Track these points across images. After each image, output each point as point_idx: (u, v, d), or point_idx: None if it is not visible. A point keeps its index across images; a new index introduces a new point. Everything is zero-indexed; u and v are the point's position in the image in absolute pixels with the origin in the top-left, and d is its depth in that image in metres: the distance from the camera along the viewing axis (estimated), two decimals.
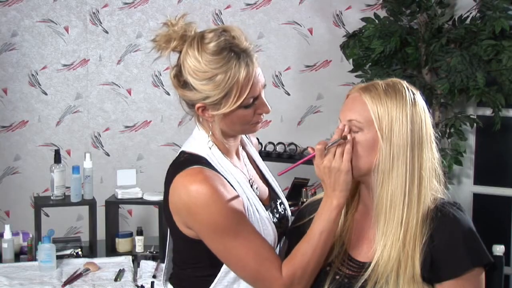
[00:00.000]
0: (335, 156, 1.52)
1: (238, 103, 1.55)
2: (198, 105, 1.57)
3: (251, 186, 1.68)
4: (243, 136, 1.79)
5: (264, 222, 1.63)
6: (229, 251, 1.54)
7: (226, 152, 1.66)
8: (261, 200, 1.68)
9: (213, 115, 1.58)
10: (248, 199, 1.62)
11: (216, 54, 1.53)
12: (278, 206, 1.76)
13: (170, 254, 1.77)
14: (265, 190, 1.75)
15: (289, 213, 1.80)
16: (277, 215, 1.73)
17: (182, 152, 1.64)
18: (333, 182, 1.53)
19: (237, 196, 1.58)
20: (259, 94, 1.61)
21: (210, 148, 1.62)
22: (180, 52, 1.58)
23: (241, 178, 1.64)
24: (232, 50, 1.54)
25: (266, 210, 1.67)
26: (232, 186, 1.59)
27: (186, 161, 1.59)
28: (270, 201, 1.74)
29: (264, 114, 1.65)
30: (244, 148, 1.79)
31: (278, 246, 1.73)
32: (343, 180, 1.52)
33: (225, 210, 1.52)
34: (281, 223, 1.73)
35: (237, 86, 1.54)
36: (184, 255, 1.67)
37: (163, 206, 1.64)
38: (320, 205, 1.57)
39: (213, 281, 1.61)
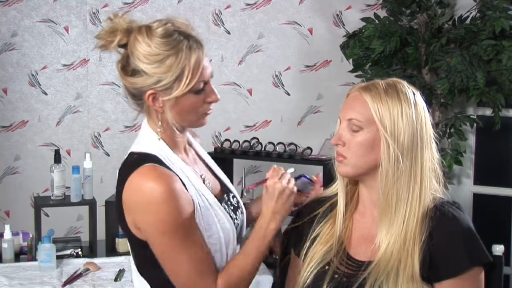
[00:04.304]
0: (289, 180, 1.66)
1: (190, 86, 1.55)
2: (148, 92, 1.55)
3: (203, 181, 1.67)
4: (188, 135, 1.76)
5: (219, 214, 1.63)
6: (170, 254, 1.52)
7: (175, 148, 1.63)
8: (213, 194, 1.67)
9: (163, 103, 1.56)
10: (200, 196, 1.60)
11: (166, 37, 1.53)
12: (231, 199, 1.76)
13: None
14: (216, 184, 1.75)
15: (242, 204, 1.80)
16: (232, 207, 1.73)
17: (131, 154, 1.61)
18: (279, 205, 1.64)
19: (189, 198, 1.56)
20: (208, 80, 1.61)
21: (159, 139, 1.59)
22: (124, 45, 1.57)
23: (192, 175, 1.62)
24: (180, 34, 1.55)
25: (220, 204, 1.67)
26: (184, 184, 1.57)
27: (137, 160, 1.55)
28: (222, 194, 1.74)
29: (212, 105, 1.65)
30: (190, 146, 1.78)
31: (239, 241, 1.73)
32: (289, 205, 1.66)
33: (176, 212, 1.50)
34: (236, 215, 1.73)
35: (189, 68, 1.54)
36: (140, 258, 1.64)
37: (117, 214, 1.60)
38: (257, 224, 1.66)
39: None
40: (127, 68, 1.57)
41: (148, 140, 1.61)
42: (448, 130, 3.58)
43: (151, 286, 1.63)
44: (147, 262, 1.60)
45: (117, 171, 1.62)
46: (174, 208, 1.50)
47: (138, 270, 1.65)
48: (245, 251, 1.65)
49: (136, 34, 1.55)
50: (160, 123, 1.60)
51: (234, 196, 1.78)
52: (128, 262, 2.85)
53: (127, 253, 3.00)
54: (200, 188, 1.62)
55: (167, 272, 1.56)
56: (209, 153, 3.64)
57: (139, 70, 1.55)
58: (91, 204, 3.10)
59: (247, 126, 4.05)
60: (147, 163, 1.53)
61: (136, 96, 1.59)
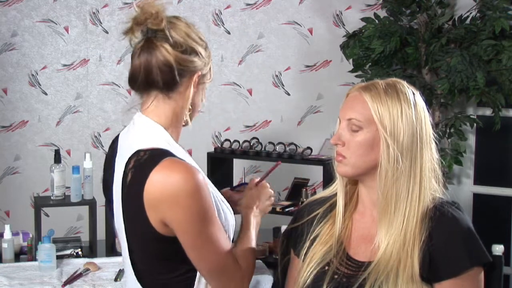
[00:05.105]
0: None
1: (212, 77, 1.69)
2: (199, 73, 1.62)
3: None
4: None
5: (228, 206, 1.67)
6: (208, 241, 1.55)
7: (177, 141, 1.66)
8: None
9: (198, 87, 1.64)
10: (211, 187, 1.63)
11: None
12: None
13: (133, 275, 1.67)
14: None
15: None
16: None
17: (140, 151, 1.57)
18: (265, 206, 1.79)
19: (209, 188, 1.58)
20: None
21: (166, 131, 1.61)
22: (156, 31, 1.58)
23: (196, 166, 1.63)
24: None
25: None
26: None
27: (152, 156, 1.54)
28: None
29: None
30: None
31: None
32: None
33: (206, 200, 1.53)
34: None
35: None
36: (158, 259, 1.62)
37: (133, 215, 1.57)
38: (249, 221, 1.73)
39: (195, 276, 1.60)
40: (178, 48, 1.59)
41: (154, 134, 1.60)
42: (448, 130, 3.58)
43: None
44: (164, 259, 1.60)
45: (124, 171, 1.57)
46: (204, 197, 1.52)
47: (141, 275, 1.63)
48: (251, 240, 1.70)
49: (182, 19, 1.63)
50: (185, 109, 1.63)
51: None
52: None
53: None
54: (207, 179, 1.63)
55: (199, 263, 1.56)
56: (209, 153, 3.66)
57: (194, 51, 1.60)
58: (91, 204, 3.10)
59: (247, 126, 4.05)
60: (166, 158, 1.52)
61: (182, 74, 1.60)
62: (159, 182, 1.50)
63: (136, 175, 1.54)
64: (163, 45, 1.56)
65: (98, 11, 3.85)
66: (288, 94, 4.06)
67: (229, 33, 3.98)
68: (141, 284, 1.62)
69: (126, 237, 1.62)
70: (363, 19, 3.66)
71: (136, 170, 1.54)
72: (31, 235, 3.01)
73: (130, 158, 1.56)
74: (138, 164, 1.55)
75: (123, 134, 1.69)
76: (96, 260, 2.82)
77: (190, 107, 1.64)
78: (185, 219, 1.51)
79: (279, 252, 1.77)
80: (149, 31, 1.57)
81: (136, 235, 1.60)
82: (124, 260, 1.68)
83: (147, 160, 1.53)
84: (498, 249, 1.85)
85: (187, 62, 1.59)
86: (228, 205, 1.68)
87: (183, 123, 1.66)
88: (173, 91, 1.60)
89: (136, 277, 1.63)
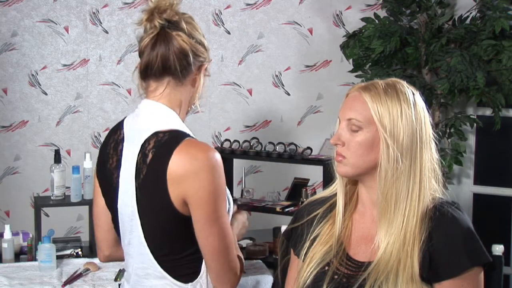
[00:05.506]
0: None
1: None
2: (205, 65, 1.72)
3: None
4: None
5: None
6: (219, 220, 1.62)
7: None
8: None
9: (202, 77, 1.74)
10: None
11: None
12: None
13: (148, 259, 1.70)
14: None
15: None
16: None
17: (159, 133, 1.63)
18: (238, 233, 1.88)
19: None
20: None
21: (178, 117, 1.69)
22: (170, 21, 1.69)
23: None
24: None
25: None
26: None
27: (173, 137, 1.62)
28: None
29: None
30: None
31: None
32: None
33: (224, 177, 1.63)
34: None
35: None
36: (171, 238, 1.66)
37: (155, 194, 1.61)
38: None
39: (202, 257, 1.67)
40: (191, 38, 1.69)
41: (169, 117, 1.67)
42: (448, 130, 3.58)
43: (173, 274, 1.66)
44: (177, 238, 1.64)
45: (142, 152, 1.62)
46: (221, 175, 1.62)
47: (163, 261, 1.66)
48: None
49: (186, 14, 1.74)
50: (192, 97, 1.74)
51: None
52: None
53: None
54: None
55: (207, 240, 1.61)
56: None
57: (201, 43, 1.71)
58: (91, 204, 3.09)
59: (247, 126, 4.05)
60: (186, 138, 1.61)
61: (195, 63, 1.69)
62: (182, 160, 1.58)
63: (158, 154, 1.61)
64: (178, 34, 1.66)
65: (98, 11, 3.85)
66: (288, 94, 4.06)
67: (229, 33, 3.98)
68: (155, 259, 1.66)
69: (140, 217, 1.65)
70: (363, 19, 3.66)
71: (157, 150, 1.61)
72: (31, 235, 3.01)
73: (148, 139, 1.63)
74: (159, 145, 1.62)
75: (128, 121, 1.74)
76: (96, 260, 2.81)
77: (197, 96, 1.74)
78: (203, 194, 1.58)
79: (279, 252, 1.77)
80: (165, 22, 1.67)
81: (152, 214, 1.65)
82: (130, 242, 1.70)
83: (168, 141, 1.61)
84: (498, 249, 1.86)
85: (199, 51, 1.69)
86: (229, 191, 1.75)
87: (190, 110, 1.76)
88: (186, 78, 1.69)
89: (151, 252, 1.67)
